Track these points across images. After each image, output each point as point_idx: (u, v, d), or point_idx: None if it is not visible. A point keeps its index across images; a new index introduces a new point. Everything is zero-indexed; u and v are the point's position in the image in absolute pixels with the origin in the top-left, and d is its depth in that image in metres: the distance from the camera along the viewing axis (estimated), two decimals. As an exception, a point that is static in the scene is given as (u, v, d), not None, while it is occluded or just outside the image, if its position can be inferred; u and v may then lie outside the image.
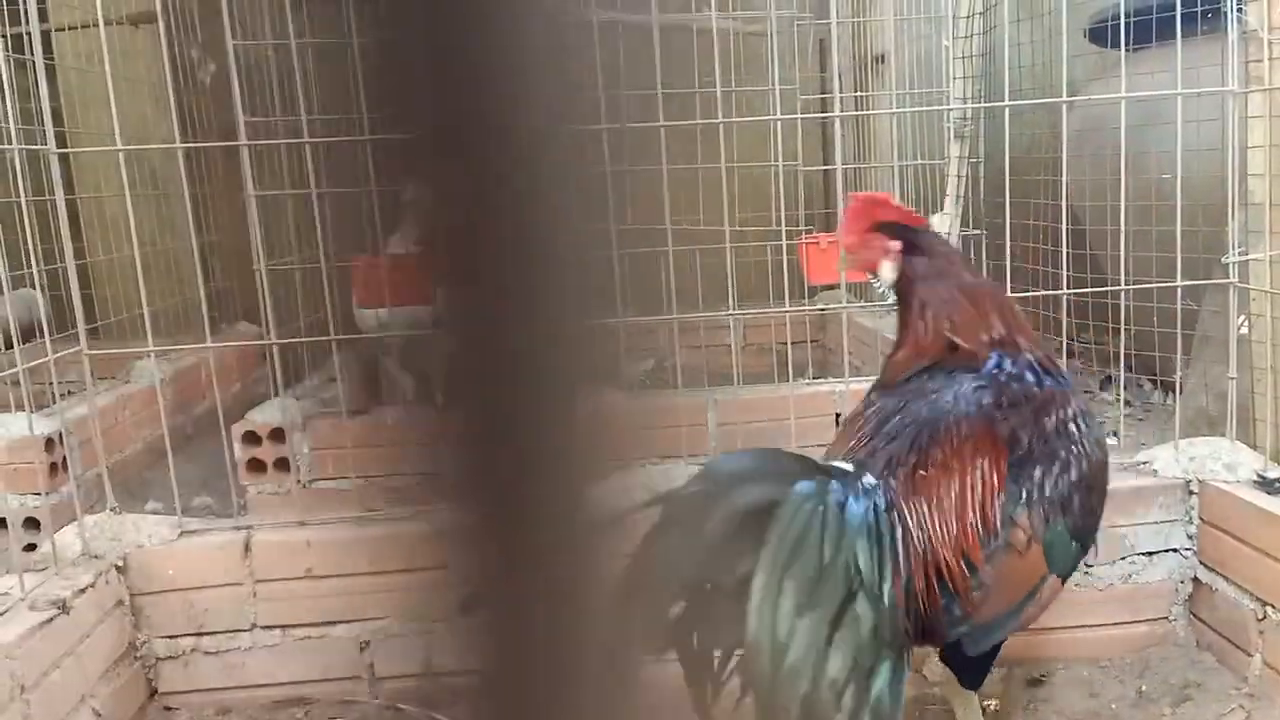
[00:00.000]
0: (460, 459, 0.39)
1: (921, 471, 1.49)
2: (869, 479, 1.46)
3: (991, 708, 1.90)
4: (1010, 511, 1.47)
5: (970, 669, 1.62)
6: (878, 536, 1.40)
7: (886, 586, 1.38)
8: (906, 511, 1.46)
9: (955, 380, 1.58)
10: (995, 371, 1.57)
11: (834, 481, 1.41)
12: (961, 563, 1.44)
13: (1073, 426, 1.53)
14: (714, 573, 1.33)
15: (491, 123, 0.36)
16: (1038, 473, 1.49)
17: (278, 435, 2.84)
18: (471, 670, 0.40)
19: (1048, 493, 1.48)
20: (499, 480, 0.39)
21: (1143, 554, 2.06)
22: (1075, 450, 1.51)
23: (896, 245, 1.63)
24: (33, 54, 1.96)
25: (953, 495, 1.47)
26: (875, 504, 1.43)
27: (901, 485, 1.48)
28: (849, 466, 1.48)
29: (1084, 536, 1.53)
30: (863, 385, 2.97)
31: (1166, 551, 2.06)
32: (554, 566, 0.39)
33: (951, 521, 1.46)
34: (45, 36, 2.79)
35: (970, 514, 1.46)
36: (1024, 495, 1.47)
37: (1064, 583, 1.53)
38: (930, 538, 1.45)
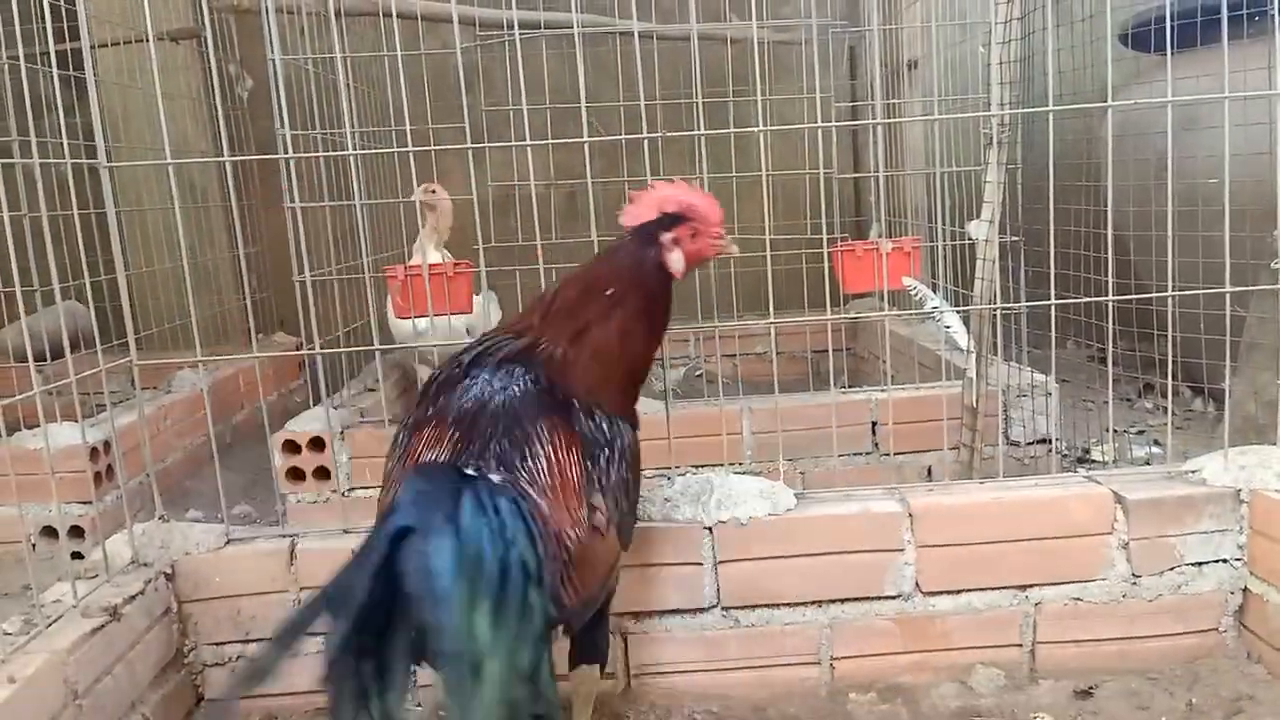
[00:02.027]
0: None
1: (530, 463, 1.49)
2: (495, 477, 1.44)
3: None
4: (588, 497, 1.53)
5: (600, 652, 1.71)
6: (528, 528, 1.38)
7: (546, 574, 1.38)
8: (535, 503, 1.45)
9: (501, 369, 1.61)
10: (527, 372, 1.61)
11: (481, 486, 1.35)
12: (574, 546, 1.47)
13: (618, 424, 1.62)
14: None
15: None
16: (603, 458, 1.57)
17: (317, 444, 2.87)
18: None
19: (612, 477, 1.57)
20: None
21: (1192, 564, 2.03)
22: (623, 436, 1.61)
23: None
24: (80, 70, 2.00)
25: (556, 484, 1.50)
26: (515, 499, 1.40)
27: (521, 479, 1.46)
28: (473, 470, 1.44)
29: (633, 510, 1.66)
30: (901, 394, 2.98)
31: (1216, 562, 2.03)
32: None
33: (562, 509, 1.48)
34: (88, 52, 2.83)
35: (572, 500, 1.50)
36: (598, 482, 1.55)
37: (626, 549, 1.63)
38: (554, 523, 1.45)
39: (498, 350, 1.65)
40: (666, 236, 1.70)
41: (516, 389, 1.59)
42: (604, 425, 1.61)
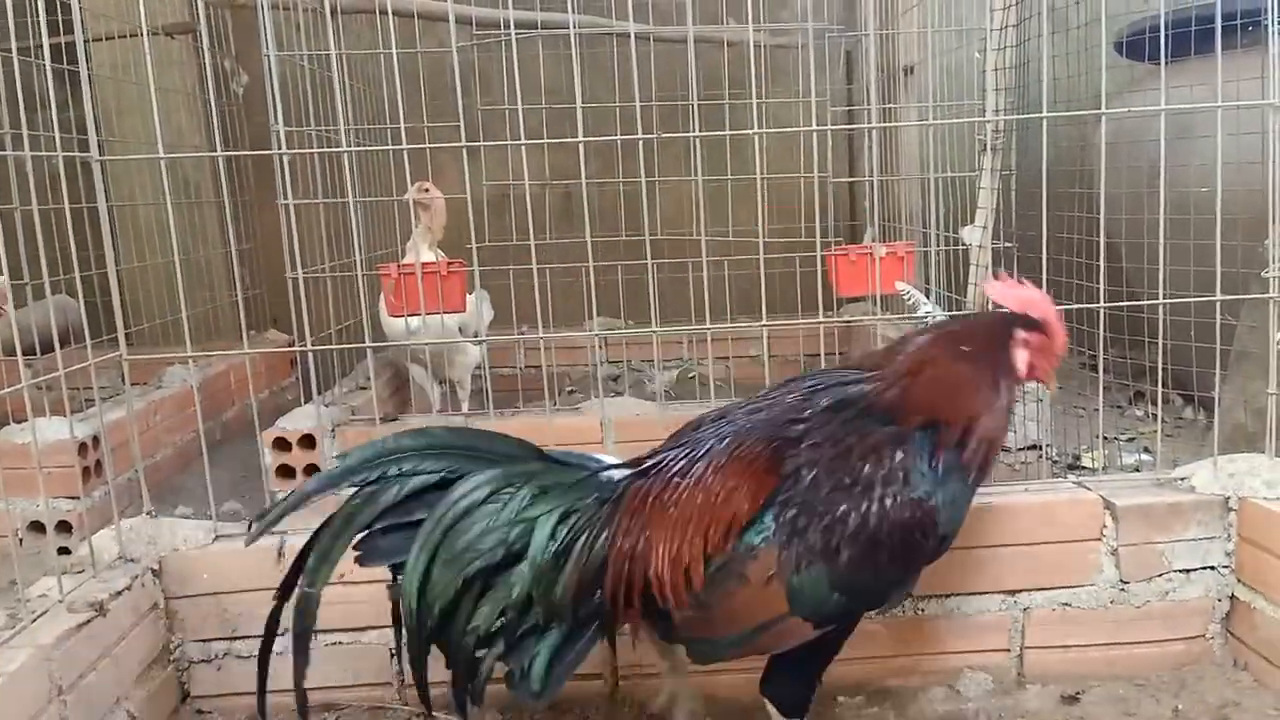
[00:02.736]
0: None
1: (677, 480, 1.52)
2: (614, 474, 1.56)
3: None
4: (751, 541, 1.47)
5: (782, 700, 1.64)
6: (573, 521, 1.48)
7: (569, 565, 1.48)
8: (629, 512, 1.50)
9: (808, 396, 1.59)
10: (849, 400, 1.57)
11: (555, 467, 1.55)
12: (673, 574, 1.47)
13: (881, 480, 1.48)
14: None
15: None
16: (804, 515, 1.47)
17: (308, 441, 2.86)
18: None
19: (809, 537, 1.46)
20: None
21: (1180, 571, 2.03)
22: (868, 505, 1.47)
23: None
24: (74, 64, 1.99)
25: (691, 510, 1.49)
26: (597, 495, 1.52)
27: (648, 487, 1.53)
28: (609, 460, 1.59)
29: (854, 592, 1.49)
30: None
31: (1204, 569, 2.04)
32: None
33: (675, 534, 1.48)
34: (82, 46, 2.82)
35: (697, 532, 1.48)
36: (775, 531, 1.46)
37: (824, 628, 1.52)
38: (647, 541, 1.48)
39: (803, 381, 1.64)
40: (1020, 334, 1.63)
41: (770, 412, 1.58)
42: (858, 482, 1.48)
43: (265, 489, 2.48)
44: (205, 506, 2.18)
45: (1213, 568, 2.04)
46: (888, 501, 1.47)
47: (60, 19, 2.28)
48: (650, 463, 1.58)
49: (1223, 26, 2.07)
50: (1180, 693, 1.98)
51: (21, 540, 2.85)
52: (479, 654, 1.51)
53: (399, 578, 1.52)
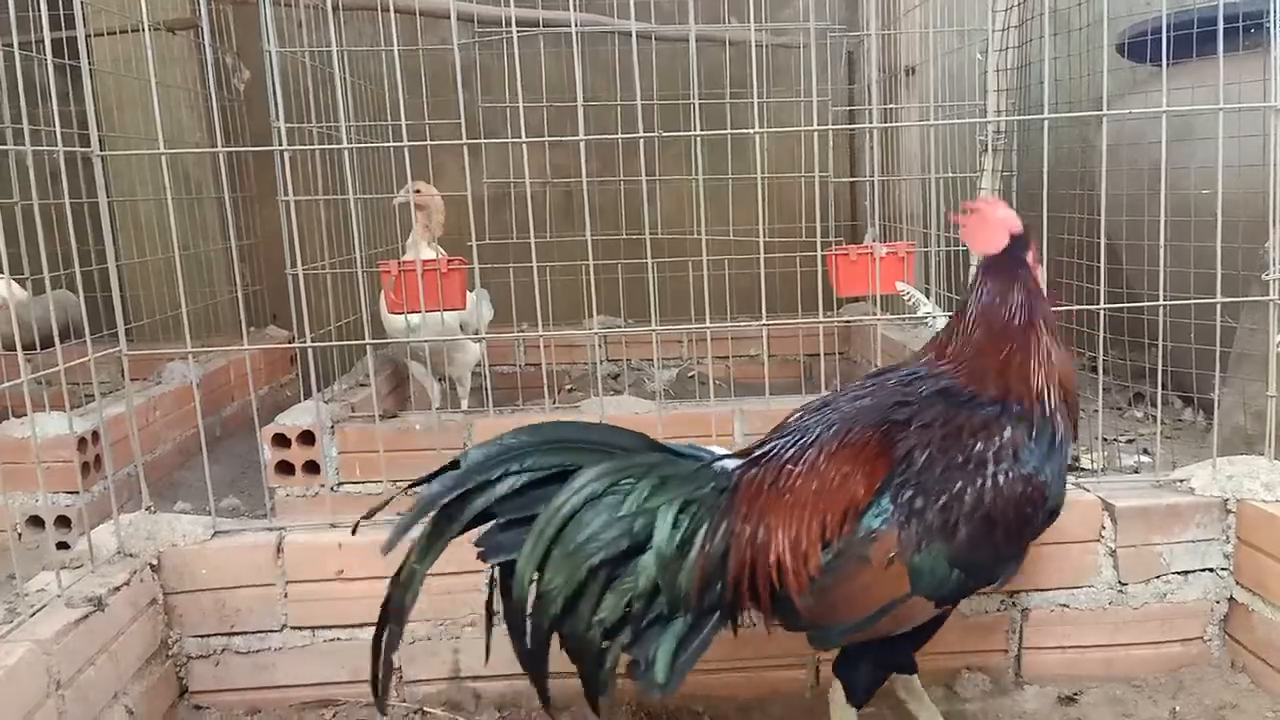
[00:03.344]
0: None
1: (790, 467, 1.54)
2: (728, 464, 1.58)
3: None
4: (870, 525, 1.48)
5: (853, 687, 1.64)
6: (694, 510, 1.52)
7: (692, 554, 1.50)
8: (747, 500, 1.53)
9: (908, 384, 1.60)
10: (950, 386, 1.58)
11: (671, 458, 1.57)
12: (794, 560, 1.49)
13: (993, 457, 1.50)
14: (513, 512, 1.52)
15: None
16: (920, 495, 1.48)
17: (307, 438, 2.86)
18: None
19: (928, 517, 1.47)
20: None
21: (1178, 573, 2.03)
22: (982, 483, 1.48)
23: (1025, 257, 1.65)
24: (75, 59, 1.99)
25: (806, 496, 1.51)
26: (714, 485, 1.55)
27: (761, 476, 1.55)
28: (721, 451, 1.61)
29: (972, 569, 1.51)
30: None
31: (1202, 571, 2.04)
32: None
33: (793, 520, 1.50)
34: (84, 41, 2.82)
35: (814, 518, 1.50)
36: (893, 513, 1.48)
37: (944, 606, 1.53)
38: (766, 528, 1.51)
39: (901, 369, 1.66)
40: (1029, 256, 1.65)
41: (876, 399, 1.59)
42: (969, 459, 1.50)
43: (264, 485, 2.48)
44: (204, 502, 2.18)
45: (1211, 570, 2.04)
46: (1000, 479, 1.49)
47: (61, 13, 2.29)
48: (760, 451, 1.60)
49: (1224, 29, 2.07)
50: (1178, 694, 1.98)
51: (20, 535, 2.85)
52: (604, 645, 1.51)
53: (496, 570, 1.54)
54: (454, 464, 1.53)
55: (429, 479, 1.52)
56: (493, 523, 1.53)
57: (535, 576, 1.49)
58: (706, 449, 1.64)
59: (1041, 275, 1.67)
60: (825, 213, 3.59)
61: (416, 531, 1.51)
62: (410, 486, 1.55)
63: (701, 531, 1.52)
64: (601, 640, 1.51)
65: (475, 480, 1.51)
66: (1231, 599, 2.03)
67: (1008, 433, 1.52)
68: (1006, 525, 1.50)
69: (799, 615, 1.52)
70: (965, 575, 1.50)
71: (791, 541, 1.49)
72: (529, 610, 1.51)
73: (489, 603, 1.60)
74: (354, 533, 1.79)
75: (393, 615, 1.53)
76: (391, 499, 1.60)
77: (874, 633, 1.53)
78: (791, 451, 1.57)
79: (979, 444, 1.51)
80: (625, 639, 1.51)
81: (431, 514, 1.51)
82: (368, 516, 1.62)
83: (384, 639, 1.52)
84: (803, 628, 1.56)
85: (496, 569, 1.55)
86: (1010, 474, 1.50)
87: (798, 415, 1.66)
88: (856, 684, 1.65)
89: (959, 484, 1.48)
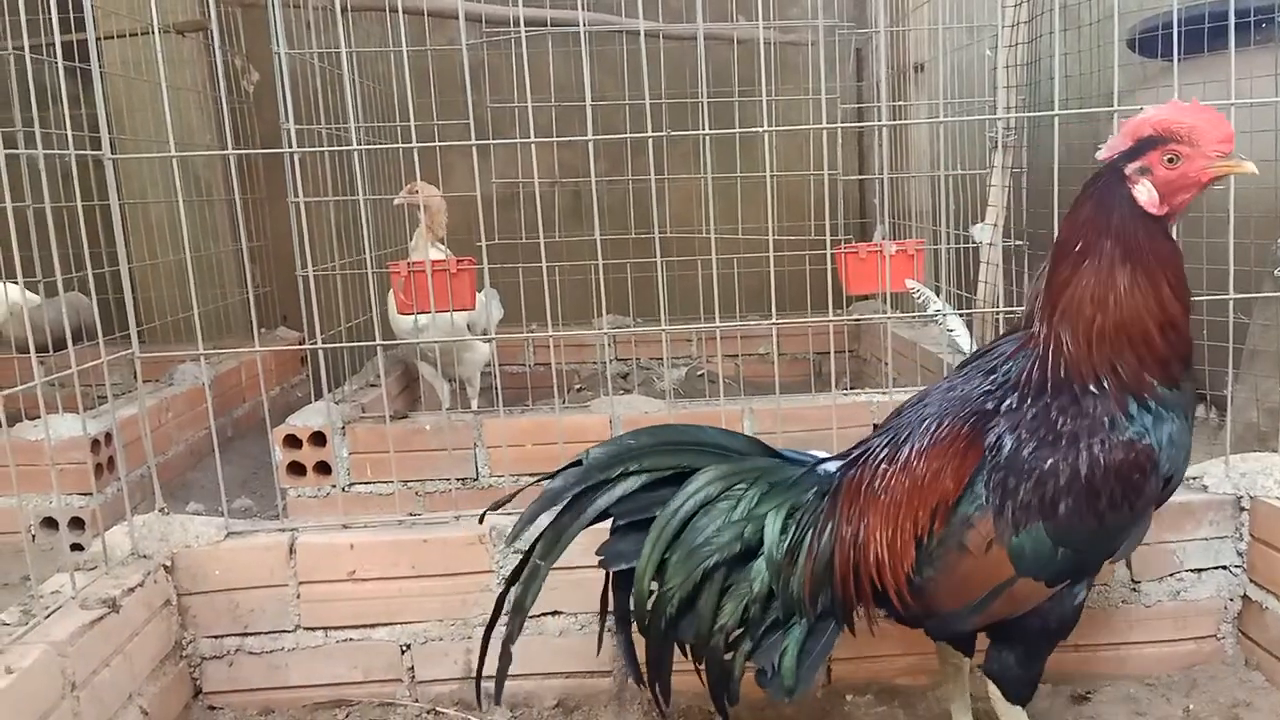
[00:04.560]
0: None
1: (885, 467, 1.55)
2: (829, 467, 1.61)
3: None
4: (967, 513, 1.48)
5: (1005, 680, 1.61)
6: (799, 516, 1.56)
7: (801, 559, 1.54)
8: (848, 502, 1.55)
9: (994, 369, 1.57)
10: (1034, 364, 1.53)
11: (779, 463, 1.60)
12: (891, 559, 1.51)
13: (1086, 429, 1.44)
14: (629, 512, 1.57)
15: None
16: (1013, 476, 1.46)
17: (318, 439, 2.87)
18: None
19: (1022, 496, 1.45)
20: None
21: (1191, 570, 2.02)
22: (1077, 455, 1.43)
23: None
24: (86, 61, 2.00)
25: (901, 494, 1.52)
26: (817, 489, 1.58)
27: (860, 477, 1.57)
28: (823, 455, 1.65)
29: (1079, 543, 1.47)
30: (901, 395, 2.97)
31: (1216, 569, 2.03)
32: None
33: (889, 520, 1.52)
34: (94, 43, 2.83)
35: (907, 517, 1.51)
36: (987, 498, 1.47)
37: (1058, 585, 1.51)
38: (866, 529, 1.53)
39: (994, 350, 1.61)
40: (1131, 167, 1.45)
41: (964, 389, 1.57)
42: (1064, 434, 1.44)
43: (276, 486, 2.49)
44: (217, 503, 2.19)
45: (1224, 567, 2.03)
46: (1096, 448, 1.43)
47: (71, 16, 2.29)
48: (858, 453, 1.62)
49: (1236, 24, 2.05)
50: (1191, 692, 1.97)
51: (34, 536, 2.87)
52: (728, 656, 1.56)
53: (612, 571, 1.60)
54: (576, 462, 1.57)
55: (553, 475, 1.58)
56: (610, 523, 1.59)
57: (654, 583, 1.55)
58: (810, 453, 1.66)
59: (1147, 195, 1.44)
60: (834, 211, 3.59)
61: (538, 527, 1.59)
62: (538, 480, 1.61)
63: (808, 537, 1.55)
64: (725, 649, 1.56)
65: (597, 478, 1.56)
66: (1245, 597, 2.02)
67: (1098, 406, 1.45)
68: (1111, 495, 1.44)
69: (908, 609, 1.54)
70: (1074, 551, 1.47)
71: (889, 541, 1.51)
72: (648, 615, 1.56)
73: (603, 599, 1.65)
74: (481, 521, 1.83)
75: (515, 611, 1.59)
76: (519, 491, 1.67)
77: (993, 616, 1.52)
78: (886, 451, 1.57)
79: (1068, 420, 1.45)
80: (747, 646, 1.55)
81: (557, 509, 1.56)
82: (495, 508, 1.70)
83: (505, 633, 1.60)
84: (913, 621, 1.58)
85: (612, 574, 1.61)
86: (1107, 442, 1.43)
87: (896, 412, 1.66)
88: (1009, 681, 1.60)
89: (1051, 460, 1.44)
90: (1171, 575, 2.02)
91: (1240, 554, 2.02)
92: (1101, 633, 2.04)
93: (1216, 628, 2.05)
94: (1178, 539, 2.01)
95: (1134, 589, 2.02)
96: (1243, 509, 2.01)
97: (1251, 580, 2.01)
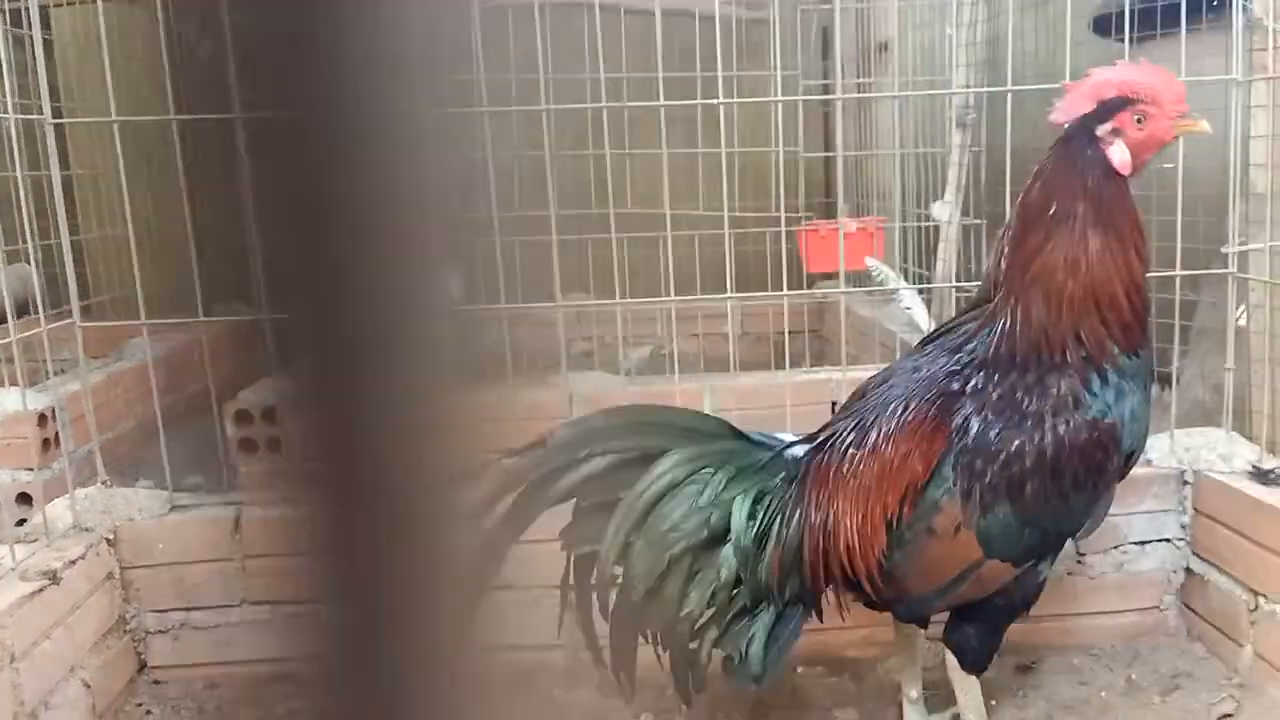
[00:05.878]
0: (311, 446, 0.37)
1: (852, 451, 1.54)
2: (797, 451, 1.60)
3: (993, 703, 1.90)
4: (935, 497, 1.48)
5: (964, 651, 1.63)
6: (767, 502, 1.54)
7: (770, 545, 1.52)
8: (816, 487, 1.54)
9: (963, 347, 1.56)
10: (1000, 340, 1.52)
11: (746, 446, 1.58)
12: (861, 543, 1.50)
13: (1050, 409, 1.45)
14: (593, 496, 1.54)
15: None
16: (980, 459, 1.46)
17: (271, 415, 2.83)
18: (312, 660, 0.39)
19: (989, 479, 1.45)
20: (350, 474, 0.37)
21: (1135, 543, 2.06)
22: (1042, 436, 1.44)
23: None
24: (28, 27, 1.94)
25: (869, 479, 1.51)
26: (784, 474, 1.56)
27: (828, 461, 1.56)
28: (790, 438, 1.63)
29: (1046, 524, 1.49)
30: (859, 374, 2.98)
31: (1159, 541, 2.06)
32: (406, 559, 0.38)
33: (859, 504, 1.51)
34: (44, 12, 2.76)
35: (877, 501, 1.50)
36: (954, 480, 1.47)
37: (1021, 565, 1.52)
38: (835, 514, 1.52)
39: (959, 327, 1.58)
40: (1103, 129, 1.46)
41: (929, 369, 1.55)
42: (1028, 415, 1.44)
43: (225, 463, 2.45)
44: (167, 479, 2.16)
45: (1168, 540, 2.06)
46: (1061, 428, 1.44)
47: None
48: (825, 436, 1.59)
49: (1187, 5, 2.07)
50: (1133, 663, 2.00)
51: (-21, 512, 2.81)
52: (693, 645, 1.54)
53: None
54: (540, 442, 1.52)
55: (515, 454, 1.51)
56: (573, 505, 1.54)
57: (618, 567, 1.52)
58: (777, 435, 1.64)
59: (1121, 156, 1.44)
60: (798, 189, 3.58)
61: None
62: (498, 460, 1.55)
63: (776, 524, 1.53)
64: (690, 639, 1.53)
65: (562, 460, 1.51)
66: (1188, 569, 2.06)
67: (1063, 383, 1.45)
68: (1075, 475, 1.46)
69: (879, 593, 1.54)
70: (1040, 531, 1.48)
71: (859, 527, 1.50)
72: (612, 602, 1.53)
73: (563, 582, 1.61)
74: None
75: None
76: (496, 495, 1.58)
77: (960, 599, 1.54)
78: (854, 434, 1.56)
79: (1034, 400, 1.46)
80: (714, 634, 1.53)
81: (518, 490, 1.50)
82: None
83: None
84: (884, 605, 1.57)
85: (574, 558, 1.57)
86: (1071, 422, 1.44)
87: (859, 394, 1.65)
88: (967, 650, 1.62)
89: (1017, 442, 1.45)
90: (1116, 548, 2.06)
91: (1184, 527, 2.05)
92: (1047, 604, 2.05)
93: (1159, 599, 2.08)
94: (1121, 512, 2.04)
95: (1079, 561, 2.05)
96: (1186, 483, 2.04)
97: (1194, 553, 2.05)
